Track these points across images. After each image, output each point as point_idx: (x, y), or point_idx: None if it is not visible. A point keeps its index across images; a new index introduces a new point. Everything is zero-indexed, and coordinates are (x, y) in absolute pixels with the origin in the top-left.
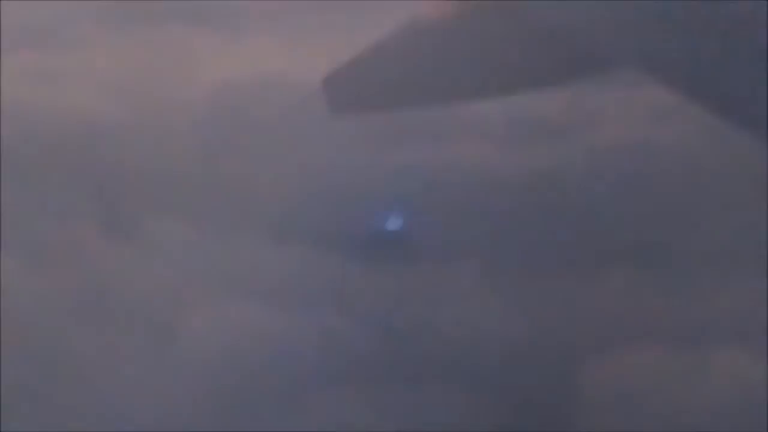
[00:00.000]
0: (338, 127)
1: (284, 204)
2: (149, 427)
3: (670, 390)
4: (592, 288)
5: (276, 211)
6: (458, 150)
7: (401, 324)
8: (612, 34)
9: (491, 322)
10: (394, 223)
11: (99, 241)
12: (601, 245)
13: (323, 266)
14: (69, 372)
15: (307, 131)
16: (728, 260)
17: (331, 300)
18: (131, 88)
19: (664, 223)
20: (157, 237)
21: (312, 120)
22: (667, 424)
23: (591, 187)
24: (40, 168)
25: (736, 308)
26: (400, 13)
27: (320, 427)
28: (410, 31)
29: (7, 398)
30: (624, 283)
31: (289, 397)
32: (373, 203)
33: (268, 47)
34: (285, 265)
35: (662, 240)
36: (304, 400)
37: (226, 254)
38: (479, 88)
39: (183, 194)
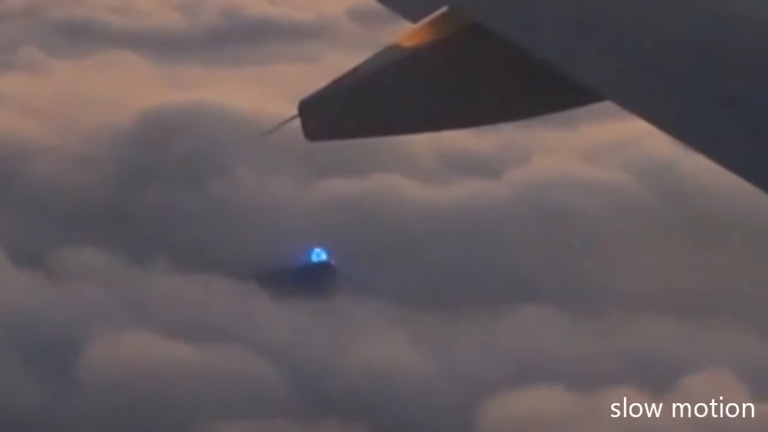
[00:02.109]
0: (263, 158)
1: (200, 233)
2: None
3: (571, 428)
4: (504, 324)
5: (191, 241)
6: (384, 183)
7: (310, 356)
8: (596, 60)
9: (401, 356)
10: (314, 255)
11: (6, 263)
12: (519, 281)
13: (232, 296)
14: None
15: (231, 161)
16: (644, 300)
17: (238, 330)
18: (59, 112)
19: (585, 261)
20: (68, 263)
21: (236, 150)
22: None
23: (515, 223)
24: None
25: (641, 350)
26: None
27: None
28: (388, 58)
29: None
30: (535, 320)
31: (188, 429)
32: (295, 235)
33: (200, 75)
34: (193, 294)
35: (581, 277)
36: None
37: (134, 282)
38: (457, 117)
39: (98, 221)
